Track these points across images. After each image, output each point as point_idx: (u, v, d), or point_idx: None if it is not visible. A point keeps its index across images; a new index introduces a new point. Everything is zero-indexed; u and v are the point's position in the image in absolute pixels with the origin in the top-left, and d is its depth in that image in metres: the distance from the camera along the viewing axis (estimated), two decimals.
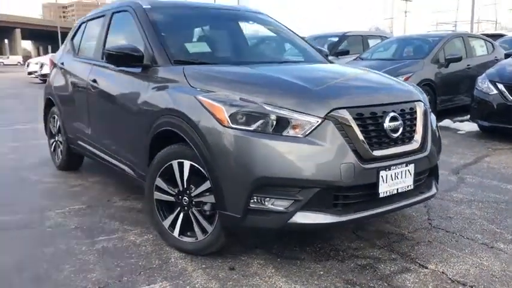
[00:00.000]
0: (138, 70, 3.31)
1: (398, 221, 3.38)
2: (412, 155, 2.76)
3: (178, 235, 2.89)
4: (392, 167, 2.63)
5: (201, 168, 2.70)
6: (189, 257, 2.83)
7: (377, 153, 2.58)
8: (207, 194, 2.73)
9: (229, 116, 2.50)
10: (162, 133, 2.93)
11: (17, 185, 4.52)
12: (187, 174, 2.79)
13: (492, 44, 9.30)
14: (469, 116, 6.97)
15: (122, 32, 3.95)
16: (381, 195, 2.61)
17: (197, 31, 3.96)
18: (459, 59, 7.97)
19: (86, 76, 4.06)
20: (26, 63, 20.46)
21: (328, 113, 2.49)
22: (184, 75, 2.92)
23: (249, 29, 4.13)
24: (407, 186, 2.74)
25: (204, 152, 2.57)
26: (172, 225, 2.92)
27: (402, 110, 2.77)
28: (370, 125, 2.59)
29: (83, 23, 4.78)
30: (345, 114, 2.52)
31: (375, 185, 2.57)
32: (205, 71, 3.00)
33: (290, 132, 2.47)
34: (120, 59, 3.24)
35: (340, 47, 10.46)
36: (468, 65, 8.41)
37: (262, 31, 4.20)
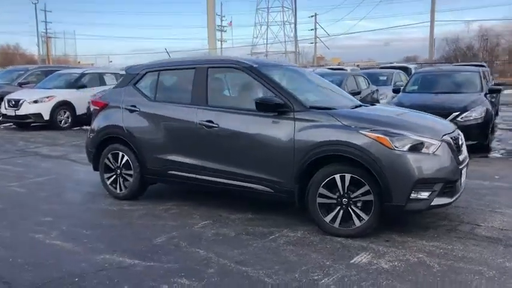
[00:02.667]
0: (273, 114, 4.56)
1: None
2: (466, 161, 4.66)
3: (338, 226, 4.26)
4: (463, 168, 4.49)
5: (360, 178, 4.15)
6: (350, 239, 4.20)
7: (459, 159, 4.42)
8: (360, 195, 4.19)
9: (392, 143, 4.06)
10: (321, 157, 4.27)
11: (111, 213, 5.12)
12: (347, 183, 4.20)
13: (368, 80, 12.15)
14: None
15: (230, 84, 5.11)
16: (461, 185, 4.44)
17: (295, 82, 5.28)
18: (359, 93, 10.44)
19: (192, 117, 5.01)
20: None
21: (441, 138, 4.24)
22: (334, 117, 4.34)
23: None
24: (465, 179, 4.64)
25: (375, 166, 4.04)
26: (333, 220, 4.27)
27: (459, 134, 4.67)
28: (455, 144, 4.42)
29: (150, 71, 5.60)
30: (448, 138, 4.30)
31: (459, 179, 4.39)
32: (347, 113, 4.47)
33: (425, 150, 4.12)
34: (269, 106, 4.49)
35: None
36: (360, 97, 10.98)
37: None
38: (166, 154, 5.25)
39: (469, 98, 8.56)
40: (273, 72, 5.01)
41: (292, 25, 62.08)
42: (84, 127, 13.59)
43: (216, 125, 4.86)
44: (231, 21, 76.28)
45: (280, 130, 4.52)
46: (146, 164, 5.40)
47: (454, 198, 4.32)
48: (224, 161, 4.87)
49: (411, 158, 4.05)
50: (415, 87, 9.77)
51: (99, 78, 14.34)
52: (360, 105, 5.19)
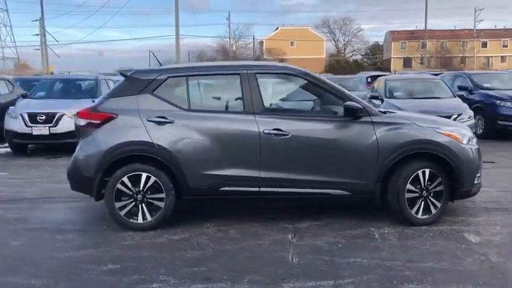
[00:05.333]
0: (347, 118, 4.73)
1: None
2: None
3: (421, 216, 4.78)
4: None
5: (435, 171, 4.79)
6: (434, 226, 4.71)
7: None
8: (434, 187, 4.82)
9: (460, 137, 4.83)
10: (407, 155, 4.70)
11: (172, 246, 4.28)
12: (427, 176, 4.77)
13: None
14: None
15: (287, 90, 4.91)
16: None
17: None
18: None
19: (252, 127, 4.64)
20: None
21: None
22: (409, 120, 4.85)
23: None
24: None
25: (453, 159, 4.73)
26: (416, 212, 4.77)
27: None
28: None
29: (174, 77, 4.83)
30: None
31: None
32: (414, 116, 5.00)
33: (471, 142, 5.01)
34: (354, 111, 4.66)
35: None
36: None
37: None
38: (218, 169, 4.68)
39: None
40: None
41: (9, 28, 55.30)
42: None
43: (287, 133, 4.66)
44: None
45: (359, 133, 4.72)
46: (187, 184, 4.68)
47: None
48: (297, 169, 4.72)
49: (472, 149, 4.90)
50: None
51: None
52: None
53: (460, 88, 11.80)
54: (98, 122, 4.74)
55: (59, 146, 9.61)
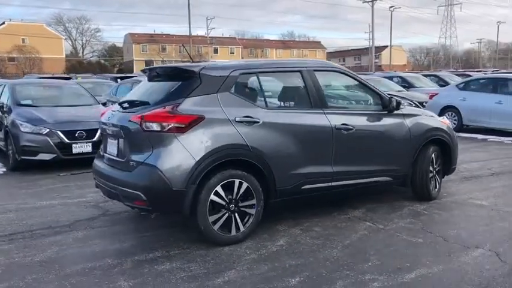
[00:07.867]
0: (384, 112, 5.29)
1: None
2: None
3: (435, 192, 5.71)
4: None
5: (438, 153, 5.80)
6: (443, 199, 5.75)
7: None
8: (437, 166, 5.85)
9: (449, 124, 5.97)
10: (430, 140, 5.55)
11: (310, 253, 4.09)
12: (436, 159, 5.74)
13: None
14: None
15: (341, 85, 5.13)
16: None
17: None
18: None
19: (324, 122, 4.72)
20: None
21: None
22: (418, 111, 5.70)
23: None
24: None
25: (450, 142, 5.80)
26: (433, 188, 5.67)
27: None
28: None
29: (246, 74, 4.46)
30: None
31: None
32: (418, 109, 5.81)
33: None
34: (400, 105, 5.24)
35: None
36: None
37: None
38: (301, 168, 4.61)
39: None
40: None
41: None
42: None
43: (352, 127, 4.91)
44: None
45: (398, 124, 5.32)
46: (275, 186, 4.45)
47: None
48: (360, 161, 5.03)
49: (454, 133, 6.08)
50: None
51: None
52: None
53: None
54: (183, 125, 4.04)
55: None
